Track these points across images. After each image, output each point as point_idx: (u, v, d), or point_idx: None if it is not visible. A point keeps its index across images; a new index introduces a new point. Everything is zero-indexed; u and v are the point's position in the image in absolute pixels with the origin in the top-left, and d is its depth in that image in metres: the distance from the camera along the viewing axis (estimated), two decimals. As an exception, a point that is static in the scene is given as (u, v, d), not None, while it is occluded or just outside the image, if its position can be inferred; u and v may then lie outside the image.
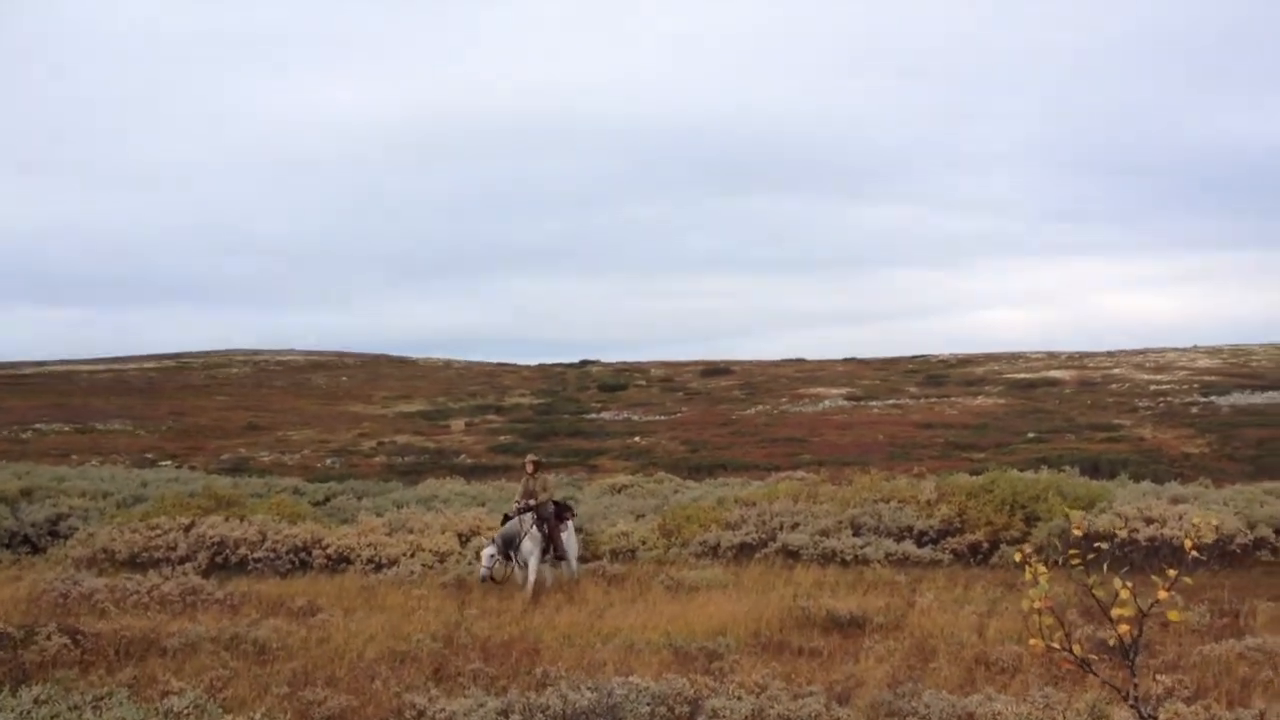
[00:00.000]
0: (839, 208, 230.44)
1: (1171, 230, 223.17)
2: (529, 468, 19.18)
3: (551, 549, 18.50)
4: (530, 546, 18.05)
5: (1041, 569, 6.84)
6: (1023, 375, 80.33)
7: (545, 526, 18.39)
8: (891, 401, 70.30)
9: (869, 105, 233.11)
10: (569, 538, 18.92)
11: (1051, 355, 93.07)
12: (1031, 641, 6.92)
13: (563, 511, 19.11)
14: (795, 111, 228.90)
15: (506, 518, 18.81)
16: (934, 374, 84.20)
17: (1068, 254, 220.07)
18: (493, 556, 17.91)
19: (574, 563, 19.08)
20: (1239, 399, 63.69)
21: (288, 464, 52.23)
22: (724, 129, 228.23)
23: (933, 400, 70.51)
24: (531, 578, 17.83)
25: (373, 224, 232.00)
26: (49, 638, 12.01)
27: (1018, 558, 7.25)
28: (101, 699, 9.12)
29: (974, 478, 26.32)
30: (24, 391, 78.76)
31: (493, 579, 17.88)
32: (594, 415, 69.43)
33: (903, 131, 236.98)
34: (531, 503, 18.54)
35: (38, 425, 63.08)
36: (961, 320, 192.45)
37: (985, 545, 22.07)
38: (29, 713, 8.52)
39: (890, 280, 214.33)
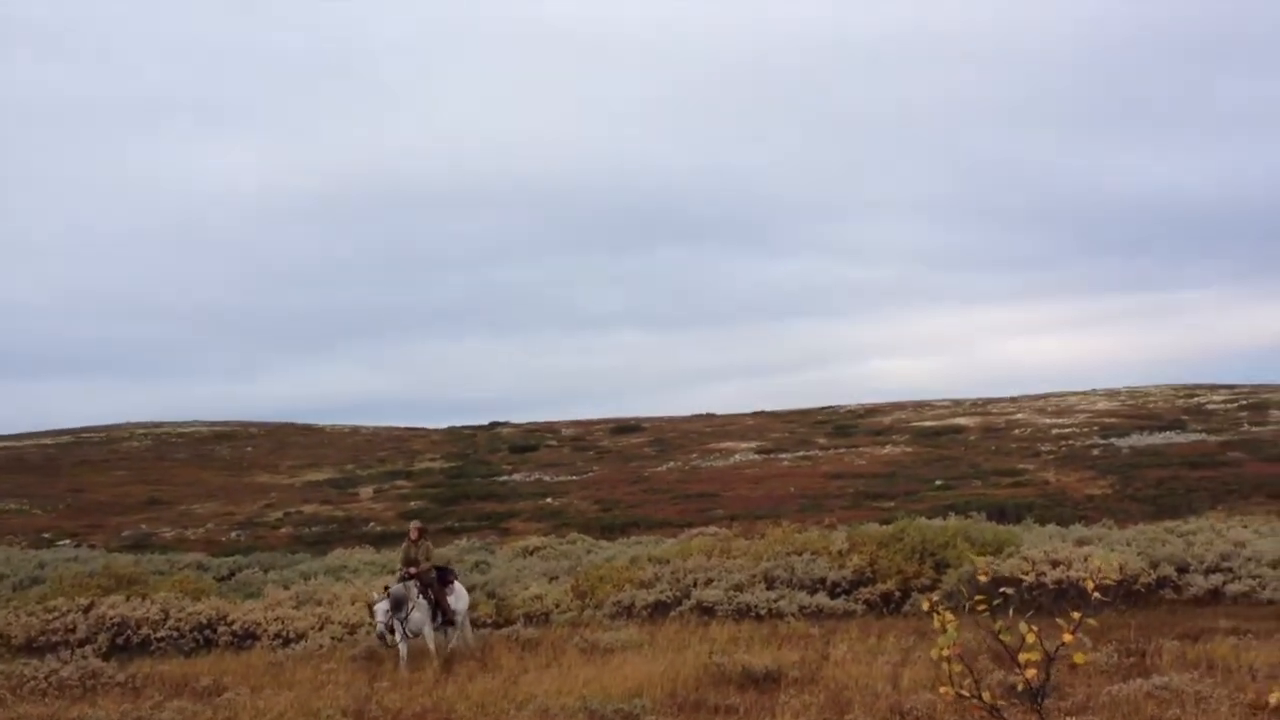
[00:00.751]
0: (741, 262, 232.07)
1: (1068, 276, 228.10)
2: (413, 534, 19.11)
3: (440, 615, 18.34)
4: (420, 618, 17.97)
5: (949, 616, 6.89)
6: (929, 423, 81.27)
7: (430, 593, 18.27)
8: (801, 453, 70.73)
9: (766, 160, 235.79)
10: (456, 599, 18.89)
11: (956, 403, 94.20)
12: (942, 689, 6.96)
13: (445, 575, 19.14)
14: (696, 168, 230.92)
15: (386, 589, 18.56)
16: (842, 424, 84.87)
17: (967, 302, 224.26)
18: (388, 612, 17.70)
19: (464, 619, 18.89)
20: (1138, 440, 65.05)
21: (191, 539, 50.99)
22: (625, 186, 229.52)
23: (841, 451, 71.05)
24: (432, 647, 17.78)
25: (273, 290, 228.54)
26: (-61, 730, 11.56)
27: (925, 605, 7.29)
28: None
29: (884, 527, 26.61)
30: (-89, 473, 76.06)
31: (385, 641, 17.65)
32: (505, 477, 68.79)
33: (800, 185, 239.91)
34: (412, 570, 18.39)
35: (-73, 508, 60.93)
36: (865, 369, 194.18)
37: (897, 594, 22.26)
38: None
39: (794, 332, 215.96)
